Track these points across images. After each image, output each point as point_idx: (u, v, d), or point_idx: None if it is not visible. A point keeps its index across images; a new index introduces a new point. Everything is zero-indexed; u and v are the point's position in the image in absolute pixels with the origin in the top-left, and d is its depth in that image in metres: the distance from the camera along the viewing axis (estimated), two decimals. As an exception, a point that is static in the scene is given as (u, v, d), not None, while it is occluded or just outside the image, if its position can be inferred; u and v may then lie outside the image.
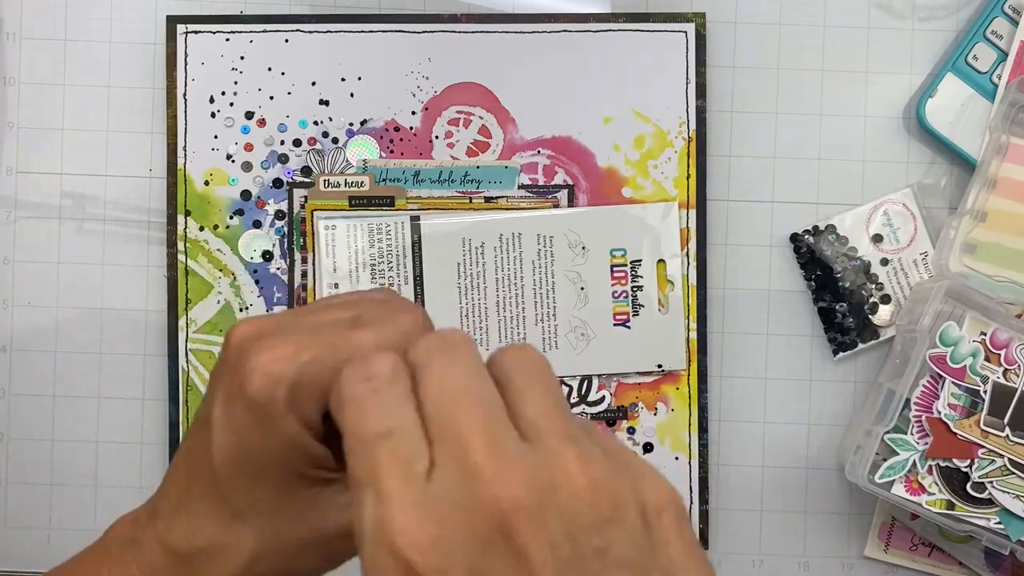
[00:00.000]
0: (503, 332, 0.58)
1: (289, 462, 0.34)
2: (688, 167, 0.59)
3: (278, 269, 0.59)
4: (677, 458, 0.59)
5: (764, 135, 0.59)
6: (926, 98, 0.58)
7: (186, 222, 0.59)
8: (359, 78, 0.59)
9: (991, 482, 0.53)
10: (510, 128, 0.59)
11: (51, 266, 0.59)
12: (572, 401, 0.59)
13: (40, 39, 0.59)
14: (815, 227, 0.59)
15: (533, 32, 0.58)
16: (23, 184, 0.59)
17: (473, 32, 0.58)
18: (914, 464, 0.54)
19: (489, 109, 0.59)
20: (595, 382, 0.59)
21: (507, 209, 0.59)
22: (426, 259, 0.58)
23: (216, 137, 0.59)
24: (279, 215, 0.59)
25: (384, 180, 0.59)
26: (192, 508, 0.35)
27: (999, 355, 0.54)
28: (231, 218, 0.59)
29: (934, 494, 0.54)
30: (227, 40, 0.58)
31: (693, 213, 0.58)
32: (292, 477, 0.34)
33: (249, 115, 0.59)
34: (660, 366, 0.58)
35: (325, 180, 0.59)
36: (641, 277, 0.58)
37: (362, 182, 0.59)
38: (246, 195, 0.59)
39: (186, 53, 0.58)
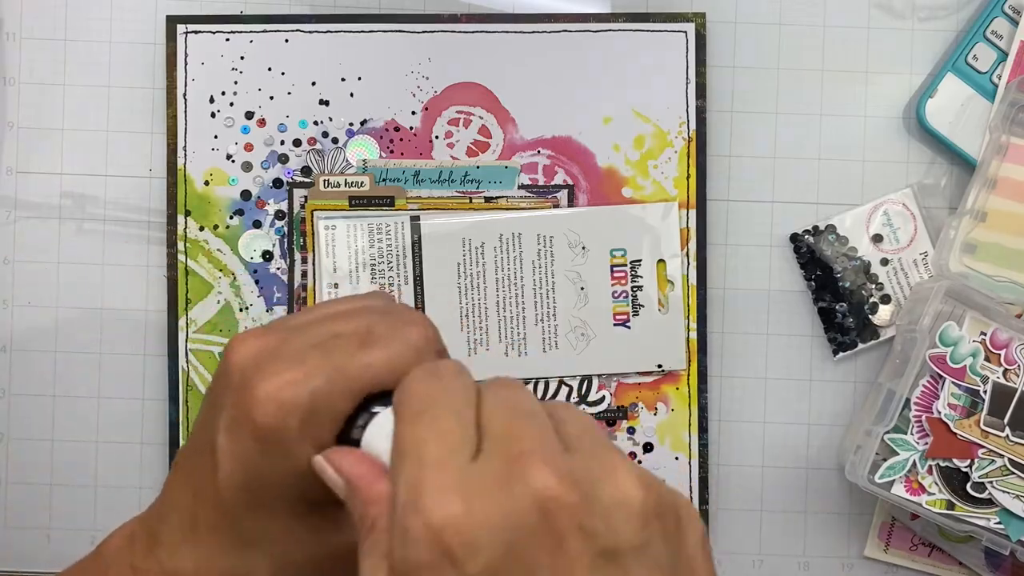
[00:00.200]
0: (503, 332, 0.58)
1: (300, 487, 0.33)
2: (688, 167, 0.59)
3: (278, 269, 0.59)
4: (677, 458, 0.59)
5: (764, 135, 0.59)
6: (926, 98, 0.58)
7: (186, 222, 0.58)
8: (359, 78, 0.59)
9: (991, 482, 0.53)
10: (510, 128, 0.59)
11: (51, 266, 0.59)
12: (572, 401, 0.59)
13: (40, 39, 0.59)
14: (815, 227, 0.59)
15: (533, 32, 0.58)
16: (23, 184, 0.59)
17: (473, 32, 0.58)
18: (914, 464, 0.54)
19: (489, 109, 0.59)
20: (595, 382, 0.59)
21: (507, 209, 0.58)
22: (426, 259, 0.58)
23: (216, 137, 0.59)
24: (279, 215, 0.59)
25: (384, 180, 0.59)
26: (199, 539, 0.34)
27: (999, 355, 0.54)
28: (231, 218, 0.59)
29: (934, 494, 0.54)
30: (227, 40, 0.58)
31: (693, 213, 0.58)
32: (303, 501, 0.33)
33: (249, 115, 0.59)
34: (660, 366, 0.58)
35: (325, 180, 0.59)
36: (641, 277, 0.58)
37: (362, 182, 0.59)
38: (246, 195, 0.59)
39: (186, 53, 0.58)
